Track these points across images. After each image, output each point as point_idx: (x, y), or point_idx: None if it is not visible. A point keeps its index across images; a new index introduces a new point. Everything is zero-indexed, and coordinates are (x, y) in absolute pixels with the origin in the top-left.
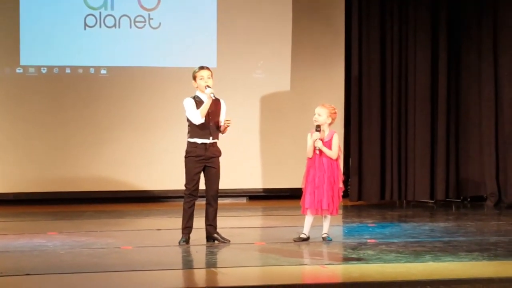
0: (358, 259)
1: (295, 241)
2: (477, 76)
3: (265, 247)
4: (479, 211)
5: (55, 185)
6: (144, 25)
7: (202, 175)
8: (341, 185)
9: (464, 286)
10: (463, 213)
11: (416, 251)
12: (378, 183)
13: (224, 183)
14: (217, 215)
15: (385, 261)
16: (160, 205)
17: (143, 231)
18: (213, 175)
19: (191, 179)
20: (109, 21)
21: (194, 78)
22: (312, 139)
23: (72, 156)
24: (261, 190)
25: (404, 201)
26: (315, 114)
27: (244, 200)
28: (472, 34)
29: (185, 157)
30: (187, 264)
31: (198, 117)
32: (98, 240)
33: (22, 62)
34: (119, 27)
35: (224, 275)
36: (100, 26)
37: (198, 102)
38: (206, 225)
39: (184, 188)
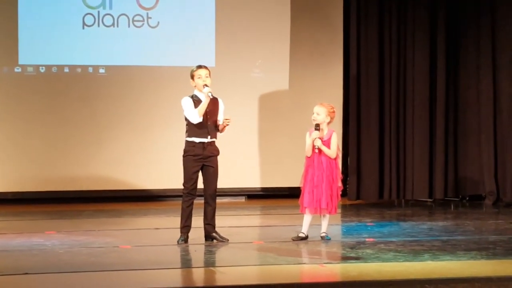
0: (357, 258)
1: (293, 240)
2: (476, 75)
3: (263, 246)
4: (478, 210)
5: (54, 184)
6: (143, 24)
7: (200, 174)
8: (340, 184)
9: (462, 285)
10: (461, 212)
11: (415, 250)
12: (376, 182)
13: (223, 182)
14: (216, 214)
15: (383, 260)
16: (159, 204)
17: (142, 230)
18: (211, 174)
19: (189, 178)
20: (108, 20)
21: (192, 77)
22: (311, 138)
23: (70, 155)
24: (260, 189)
25: (403, 200)
26: (313, 113)
27: (242, 199)
28: (470, 34)
29: (183, 156)
30: (186, 263)
31: (196, 116)
32: (97, 239)
33: (20, 61)
34: (117, 26)
35: (223, 274)
36: (99, 25)
37: (196, 101)
38: (205, 224)
39: (182, 187)
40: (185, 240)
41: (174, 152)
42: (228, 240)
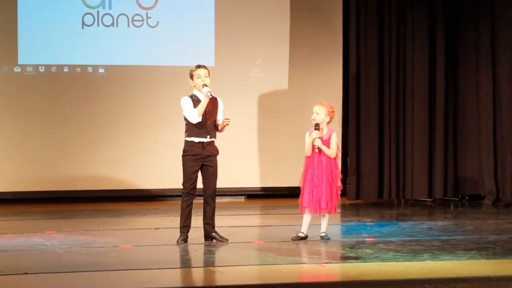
0: (356, 258)
1: (293, 240)
2: (475, 75)
3: (263, 246)
4: (477, 209)
5: (53, 184)
6: (142, 24)
7: (199, 174)
8: (339, 184)
9: (462, 284)
10: (461, 211)
11: (414, 249)
12: (376, 181)
13: (222, 182)
14: (215, 214)
15: (383, 260)
16: (158, 204)
17: (141, 230)
18: (210, 174)
19: (188, 178)
20: (107, 20)
21: (191, 76)
22: (311, 138)
23: (70, 155)
24: (259, 189)
25: (402, 200)
26: (313, 113)
27: (242, 199)
28: (470, 34)
29: (183, 156)
30: (185, 263)
31: (195, 116)
32: (96, 239)
33: (20, 61)
34: (117, 26)
35: (222, 274)
36: (98, 25)
37: (196, 101)
38: (204, 224)
39: (182, 187)
40: (185, 240)
41: (173, 152)
42: (227, 240)
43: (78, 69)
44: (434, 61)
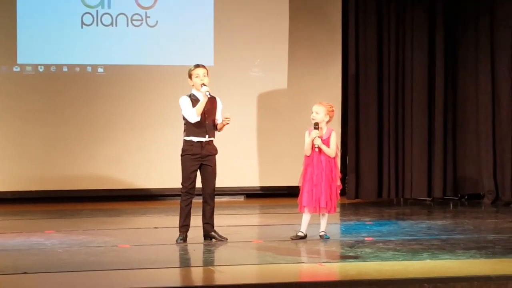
0: (356, 257)
1: (292, 239)
2: (474, 74)
3: (262, 245)
4: (477, 209)
5: (53, 183)
6: (141, 23)
7: (199, 173)
8: (339, 183)
9: (461, 284)
10: (460, 211)
11: (414, 249)
12: (375, 181)
13: (221, 181)
14: (214, 213)
15: (382, 259)
16: (157, 204)
17: (141, 230)
18: (209, 173)
19: (187, 177)
20: (106, 19)
21: (190, 76)
22: (310, 137)
23: (69, 155)
24: (258, 188)
25: (402, 199)
26: (312, 112)
27: (241, 198)
28: (469, 33)
29: (181, 155)
30: (185, 262)
31: (194, 115)
32: (96, 238)
33: (19, 61)
34: (116, 25)
35: (222, 273)
36: (97, 25)
37: (194, 100)
38: (203, 223)
39: (181, 186)
40: (184, 239)
41: (173, 151)
42: (227, 239)
43: (77, 69)
44: (433, 60)
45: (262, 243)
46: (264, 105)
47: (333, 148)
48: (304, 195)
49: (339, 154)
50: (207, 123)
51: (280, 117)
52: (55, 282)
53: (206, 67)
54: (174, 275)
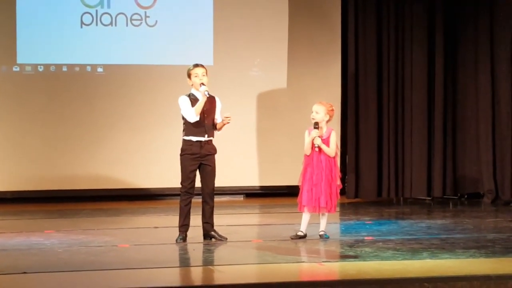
0: (355, 257)
1: (292, 238)
2: (474, 73)
3: (262, 245)
4: (476, 208)
5: (52, 183)
6: (141, 23)
7: (198, 172)
8: (338, 182)
9: (461, 283)
10: (460, 210)
11: (413, 248)
12: (375, 180)
13: (221, 181)
14: (214, 212)
15: (382, 259)
16: (157, 203)
17: (140, 229)
18: (208, 173)
19: (186, 177)
20: (106, 19)
21: (189, 75)
22: (310, 137)
23: (69, 154)
24: (258, 188)
25: (401, 198)
26: (312, 112)
27: (241, 198)
28: (469, 32)
29: (180, 155)
30: (184, 262)
31: (193, 115)
32: (95, 238)
33: (19, 60)
34: (115, 25)
35: (221, 273)
36: (97, 24)
37: (193, 100)
38: (203, 223)
39: (180, 186)
40: (184, 238)
41: (172, 151)
42: (226, 238)
43: (77, 68)
44: (433, 60)
45: (262, 242)
46: (264, 105)
47: (333, 148)
48: (304, 195)
49: (339, 154)
50: (206, 123)
51: (280, 116)
52: (55, 282)
53: (205, 66)
54: (174, 275)
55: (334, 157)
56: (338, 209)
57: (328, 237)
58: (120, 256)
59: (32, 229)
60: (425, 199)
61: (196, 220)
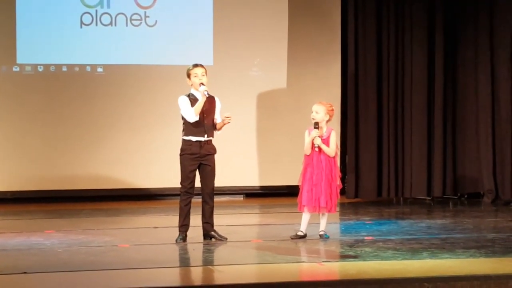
0: (355, 257)
1: (292, 238)
2: (474, 73)
3: (262, 245)
4: (476, 208)
5: (52, 183)
6: (140, 23)
7: (198, 173)
8: (338, 182)
9: (461, 283)
10: (460, 210)
11: (413, 248)
12: (375, 180)
13: (221, 181)
14: (214, 212)
15: (382, 258)
16: (157, 203)
17: (140, 229)
18: (208, 173)
19: (186, 177)
20: (105, 19)
21: (188, 75)
22: (310, 137)
23: (69, 154)
24: (258, 188)
25: (401, 198)
26: (312, 112)
27: (240, 198)
28: (469, 32)
29: (180, 155)
30: (184, 262)
31: (192, 115)
32: (95, 238)
33: (18, 61)
34: (115, 25)
35: (221, 273)
36: (97, 24)
37: (193, 100)
38: (203, 223)
39: (180, 186)
40: (184, 238)
41: (172, 151)
42: (226, 238)
43: (77, 68)
44: (432, 59)
45: (262, 242)
46: (264, 105)
47: (333, 148)
48: (304, 195)
49: (338, 154)
50: (205, 123)
51: (280, 116)
52: (55, 282)
53: (204, 66)
54: (173, 275)
55: (334, 157)
56: (338, 209)
57: (328, 237)
58: (120, 256)
59: (32, 229)
60: (425, 199)
61: (196, 220)
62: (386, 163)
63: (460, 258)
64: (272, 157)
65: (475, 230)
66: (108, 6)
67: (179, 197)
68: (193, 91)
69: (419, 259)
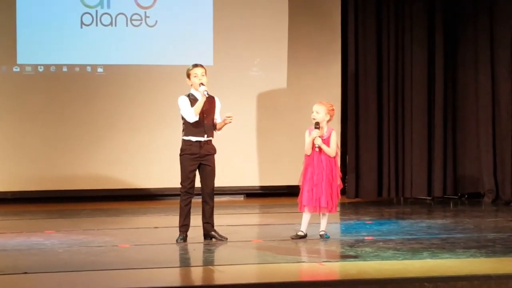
0: (356, 257)
1: (292, 238)
2: (474, 73)
3: (262, 245)
4: (477, 208)
5: (53, 183)
6: (141, 23)
7: (198, 173)
8: (339, 182)
9: (461, 283)
10: (460, 210)
11: (414, 248)
12: (375, 180)
13: (221, 181)
14: (214, 212)
15: (382, 258)
16: (157, 203)
17: (141, 229)
18: (208, 173)
19: (186, 177)
20: (106, 19)
21: (188, 76)
22: (311, 137)
23: (69, 155)
24: (258, 188)
25: (402, 198)
26: (313, 112)
27: (241, 198)
28: (468, 32)
29: (180, 155)
30: (185, 262)
31: (192, 115)
32: (96, 238)
33: (19, 61)
34: (115, 25)
35: (222, 273)
36: (97, 25)
37: (193, 100)
38: (203, 223)
39: (180, 186)
40: (184, 239)
41: (172, 151)
42: (227, 238)
43: (77, 69)
44: (433, 59)
45: (262, 242)
46: (264, 105)
47: (334, 148)
48: (304, 195)
49: (339, 154)
50: (205, 123)
51: (280, 116)
52: (55, 282)
53: (204, 66)
54: (174, 275)
55: (334, 157)
56: (338, 209)
57: (328, 237)
58: (120, 256)
59: (32, 229)
60: (425, 199)
61: (196, 220)
62: (386, 163)
63: (460, 258)
64: (272, 157)
65: (476, 230)
66: (108, 6)
67: (179, 197)
68: (193, 91)
69: (420, 259)
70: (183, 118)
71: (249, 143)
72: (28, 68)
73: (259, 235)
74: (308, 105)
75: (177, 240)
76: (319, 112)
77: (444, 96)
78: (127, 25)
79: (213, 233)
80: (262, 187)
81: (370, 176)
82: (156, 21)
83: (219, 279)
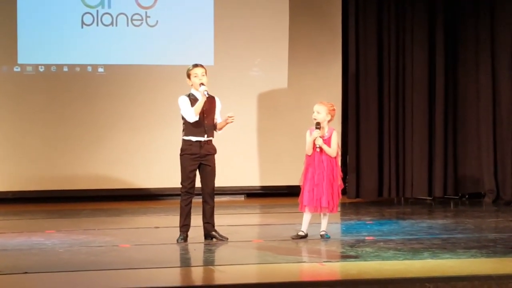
0: (356, 257)
1: (293, 238)
2: (475, 73)
3: (263, 245)
4: (478, 208)
5: (53, 183)
6: (141, 23)
7: (198, 173)
8: (340, 182)
9: (462, 283)
10: (461, 210)
11: (415, 248)
12: (376, 180)
13: (222, 181)
14: (215, 212)
15: (383, 259)
16: (158, 203)
17: (141, 229)
18: (208, 173)
19: (186, 177)
20: (106, 19)
21: (188, 76)
22: (312, 137)
23: (69, 154)
24: (259, 188)
25: (402, 198)
26: (313, 112)
27: (241, 198)
28: (469, 32)
29: (180, 155)
30: (185, 262)
31: (192, 115)
32: (96, 238)
33: (19, 61)
34: (116, 25)
35: (222, 273)
36: (97, 25)
37: (193, 100)
38: (204, 223)
39: (180, 186)
40: (185, 239)
41: (173, 151)
42: (227, 238)
43: (78, 69)
44: (433, 59)
45: (263, 242)
46: (264, 105)
47: (334, 148)
48: (305, 195)
49: (340, 154)
50: (205, 123)
51: (280, 116)
52: (56, 282)
53: (204, 66)
54: (174, 275)
55: (335, 157)
56: (339, 209)
57: (329, 237)
58: (121, 256)
59: (33, 229)
60: (426, 199)
61: (196, 220)
62: (387, 163)
63: (461, 258)
64: (273, 157)
65: (476, 230)
66: (109, 6)
67: (179, 197)
68: (193, 91)
69: (420, 259)
70: (183, 118)
71: (249, 143)
72: (29, 68)
73: (260, 235)
74: (309, 105)
75: (177, 240)
76: (320, 112)
77: (445, 96)
78: (127, 25)
79: (213, 233)
80: (262, 187)
81: (370, 176)
82: (157, 21)
83: (220, 279)
